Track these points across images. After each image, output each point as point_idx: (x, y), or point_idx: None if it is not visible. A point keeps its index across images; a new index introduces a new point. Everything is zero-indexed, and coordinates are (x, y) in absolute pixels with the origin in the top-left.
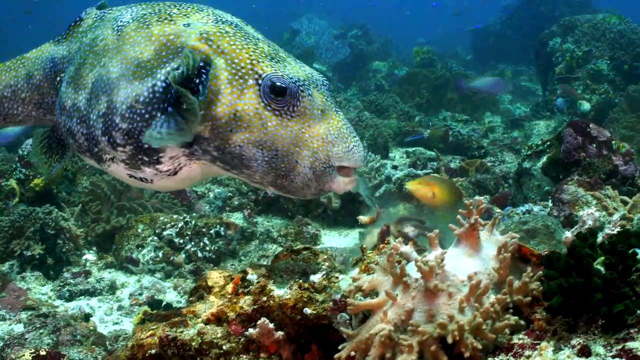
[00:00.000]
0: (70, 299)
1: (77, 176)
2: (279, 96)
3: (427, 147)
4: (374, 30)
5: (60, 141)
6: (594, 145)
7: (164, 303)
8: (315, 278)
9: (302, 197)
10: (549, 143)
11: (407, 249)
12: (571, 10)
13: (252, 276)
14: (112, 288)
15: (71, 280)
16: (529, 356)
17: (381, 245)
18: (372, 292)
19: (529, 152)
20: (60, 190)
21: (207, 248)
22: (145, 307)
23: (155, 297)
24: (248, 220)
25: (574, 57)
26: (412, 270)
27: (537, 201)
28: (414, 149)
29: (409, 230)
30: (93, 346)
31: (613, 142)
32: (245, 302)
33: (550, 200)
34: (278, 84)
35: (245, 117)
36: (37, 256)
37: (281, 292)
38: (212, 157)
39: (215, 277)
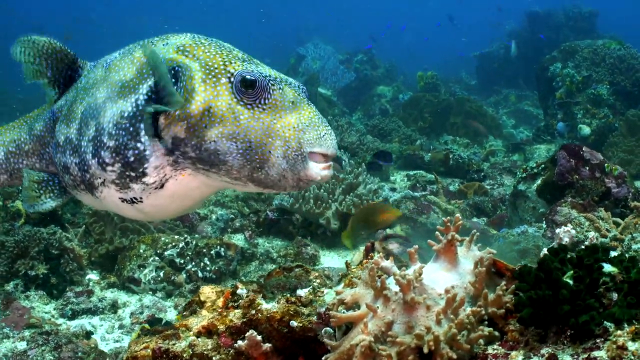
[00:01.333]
0: (72, 317)
1: None
2: (250, 89)
3: (428, 170)
4: (379, 55)
5: (60, 185)
6: (587, 168)
7: (163, 321)
8: (302, 292)
9: (283, 189)
10: (543, 166)
11: (388, 263)
12: (575, 36)
13: (242, 290)
14: (114, 307)
15: (74, 299)
16: None
17: (364, 261)
18: (355, 305)
19: (524, 175)
20: (65, 212)
21: (208, 268)
22: (145, 325)
23: (156, 315)
24: (249, 242)
25: (573, 81)
26: (392, 284)
27: (532, 223)
28: (414, 172)
29: (394, 247)
30: None
31: (606, 164)
32: (234, 316)
33: (544, 222)
34: (248, 77)
35: (219, 112)
36: (41, 276)
37: (269, 306)
38: (191, 159)
39: (207, 292)
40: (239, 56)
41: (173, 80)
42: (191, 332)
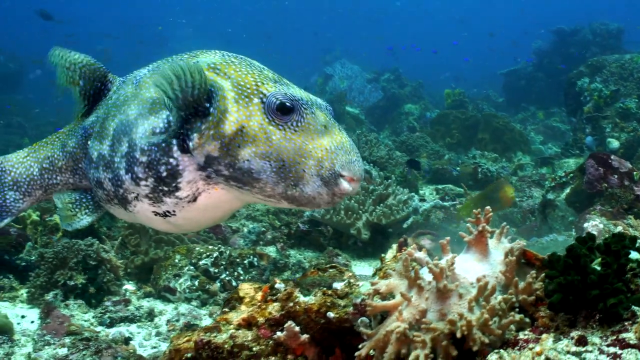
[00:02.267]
0: (111, 325)
1: None
2: (283, 114)
3: (457, 184)
4: (405, 74)
5: (95, 201)
6: (616, 176)
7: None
8: (338, 285)
9: (317, 206)
10: (572, 175)
11: (421, 254)
12: (602, 52)
13: (280, 285)
14: (151, 315)
15: (112, 308)
16: (532, 348)
17: (397, 254)
18: (389, 295)
19: (553, 184)
20: (101, 225)
21: (241, 277)
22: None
23: (191, 323)
24: (281, 253)
25: (602, 96)
26: (425, 274)
27: (561, 231)
28: (443, 186)
29: (426, 243)
30: None
31: (635, 172)
32: (273, 308)
33: (573, 230)
34: (282, 101)
35: (251, 132)
36: (80, 285)
37: (306, 299)
38: (224, 177)
39: (246, 288)
40: (270, 76)
41: (205, 97)
42: (231, 325)
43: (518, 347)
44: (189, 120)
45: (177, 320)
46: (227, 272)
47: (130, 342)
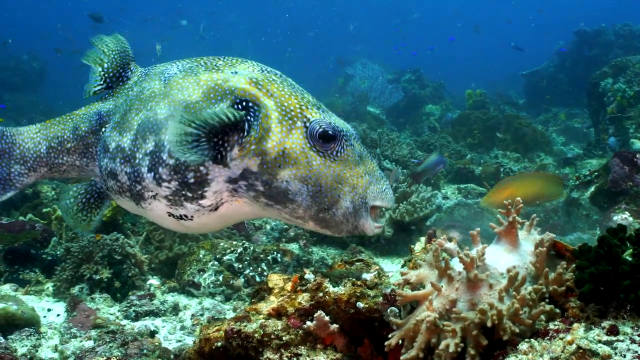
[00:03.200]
0: (136, 318)
1: None
2: (325, 141)
3: (479, 183)
4: (426, 74)
5: (99, 193)
6: None
7: None
8: (367, 276)
9: (339, 232)
10: (596, 173)
11: (451, 245)
12: (625, 54)
13: (309, 275)
14: (175, 309)
15: (137, 302)
16: (563, 337)
17: (427, 245)
18: (419, 285)
19: (577, 183)
20: (125, 221)
21: (265, 273)
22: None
23: (215, 317)
24: (303, 250)
25: (625, 96)
26: (455, 265)
27: (585, 230)
28: (465, 185)
29: (455, 235)
30: (159, 359)
31: None
32: (303, 298)
33: (598, 229)
34: (326, 129)
35: (293, 154)
36: (105, 280)
37: (336, 289)
38: (256, 193)
39: (275, 279)
40: (311, 101)
41: (243, 111)
42: (261, 315)
43: (548, 337)
44: (227, 133)
45: (202, 315)
46: (251, 268)
47: (156, 335)
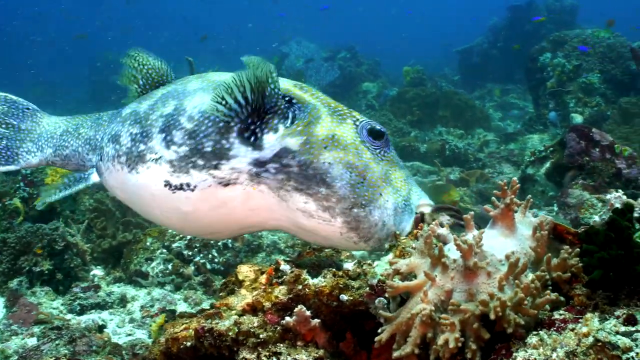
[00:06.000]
0: (81, 312)
1: (79, 195)
2: (374, 138)
3: (424, 161)
4: (362, 52)
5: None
6: (597, 149)
7: (177, 313)
8: (349, 266)
9: (366, 239)
10: (551, 149)
11: (444, 231)
12: (556, 29)
13: (285, 267)
14: (123, 301)
15: (82, 295)
16: (573, 329)
17: (415, 231)
18: (410, 275)
19: (532, 159)
20: (64, 209)
21: (216, 260)
22: (162, 314)
23: (167, 308)
24: (253, 234)
25: (564, 71)
26: (449, 252)
27: (541, 206)
28: (411, 163)
29: (444, 219)
30: (110, 355)
31: (616, 145)
32: (280, 292)
33: (555, 205)
34: (375, 126)
35: (343, 141)
36: (46, 272)
37: (316, 281)
38: (286, 176)
39: (245, 271)
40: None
41: (287, 105)
42: (234, 311)
43: (555, 328)
44: (269, 115)
45: (152, 306)
46: (202, 255)
47: (104, 329)
